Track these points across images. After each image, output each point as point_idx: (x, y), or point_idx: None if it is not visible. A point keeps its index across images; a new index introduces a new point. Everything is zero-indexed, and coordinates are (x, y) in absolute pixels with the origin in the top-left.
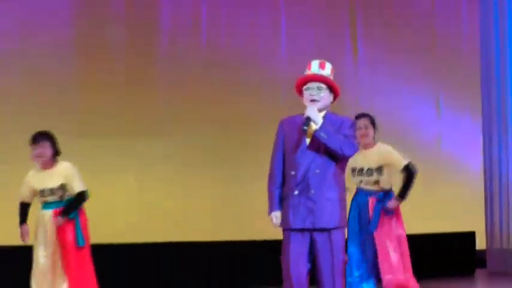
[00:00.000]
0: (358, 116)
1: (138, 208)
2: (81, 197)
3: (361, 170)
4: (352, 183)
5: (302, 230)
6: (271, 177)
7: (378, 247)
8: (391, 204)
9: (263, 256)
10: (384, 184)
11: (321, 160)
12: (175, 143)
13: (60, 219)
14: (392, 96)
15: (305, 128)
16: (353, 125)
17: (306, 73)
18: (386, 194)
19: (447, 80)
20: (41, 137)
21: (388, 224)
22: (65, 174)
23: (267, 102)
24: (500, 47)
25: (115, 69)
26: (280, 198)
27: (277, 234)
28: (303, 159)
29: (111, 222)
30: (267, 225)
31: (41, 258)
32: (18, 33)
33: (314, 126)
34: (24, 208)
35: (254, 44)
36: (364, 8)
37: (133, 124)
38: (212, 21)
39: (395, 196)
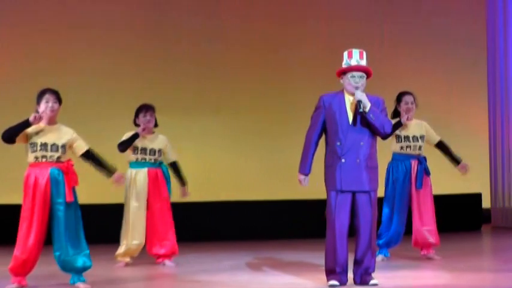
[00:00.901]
0: (404, 93)
1: (203, 171)
2: (178, 165)
3: (407, 137)
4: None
5: (346, 191)
6: (308, 143)
7: (420, 203)
8: (465, 167)
9: (307, 212)
10: (423, 150)
11: (364, 134)
12: (236, 117)
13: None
14: (411, 79)
15: (361, 110)
16: (384, 103)
17: (349, 62)
18: (424, 157)
19: (456, 65)
20: (151, 108)
21: (427, 183)
22: (165, 143)
23: (308, 84)
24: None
25: (194, 55)
26: (311, 164)
27: (316, 195)
28: (348, 132)
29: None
30: (309, 187)
31: (133, 209)
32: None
33: (367, 108)
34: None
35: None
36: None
37: (201, 102)
38: (271, 15)
39: (461, 162)
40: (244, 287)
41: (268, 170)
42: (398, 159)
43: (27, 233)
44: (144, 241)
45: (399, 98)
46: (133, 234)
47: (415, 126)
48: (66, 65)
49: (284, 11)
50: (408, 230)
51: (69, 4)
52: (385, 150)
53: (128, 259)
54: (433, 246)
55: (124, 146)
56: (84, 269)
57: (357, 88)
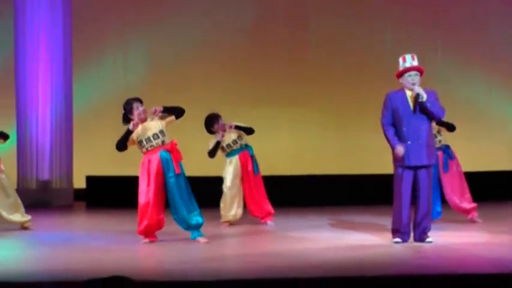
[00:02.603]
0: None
1: (295, 150)
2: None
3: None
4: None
5: (411, 167)
6: (388, 128)
7: (450, 182)
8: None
9: (375, 184)
10: (443, 141)
11: (423, 120)
12: (321, 107)
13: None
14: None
15: (419, 100)
16: (437, 95)
17: (405, 64)
18: (446, 146)
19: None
20: (219, 115)
21: (453, 166)
22: (237, 134)
23: (377, 81)
24: None
25: (277, 51)
26: (396, 137)
27: (382, 170)
28: (412, 120)
29: (271, 159)
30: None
31: (229, 188)
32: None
33: (424, 98)
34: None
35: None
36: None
37: (293, 95)
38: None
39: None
40: (327, 241)
41: (344, 149)
42: None
43: (146, 204)
44: (239, 210)
45: None
46: (230, 206)
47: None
48: (188, 66)
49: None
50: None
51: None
52: None
53: (228, 223)
54: (467, 212)
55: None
56: (198, 225)
57: (413, 84)
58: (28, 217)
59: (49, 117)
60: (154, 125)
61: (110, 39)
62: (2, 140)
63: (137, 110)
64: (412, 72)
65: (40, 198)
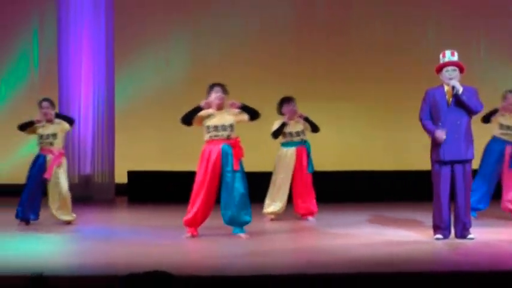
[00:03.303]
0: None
1: (340, 146)
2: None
3: (509, 127)
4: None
5: (448, 162)
6: (426, 122)
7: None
8: None
9: (416, 180)
10: None
11: (460, 115)
12: (365, 103)
13: None
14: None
15: (455, 92)
16: (477, 91)
17: (443, 60)
18: None
19: None
20: (293, 98)
21: None
22: (302, 124)
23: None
24: None
25: (323, 47)
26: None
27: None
28: (448, 114)
29: (315, 155)
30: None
31: (278, 180)
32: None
33: (460, 91)
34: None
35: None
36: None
37: (337, 91)
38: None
39: None
40: (368, 237)
41: (388, 146)
42: (496, 141)
43: (198, 194)
44: (285, 204)
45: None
46: (277, 197)
47: None
48: (231, 63)
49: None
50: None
51: None
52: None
53: (273, 216)
54: None
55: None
56: (246, 223)
57: (451, 79)
58: (74, 216)
59: (91, 112)
60: (227, 117)
61: (152, 36)
62: (68, 125)
63: (216, 93)
64: (450, 68)
65: (82, 193)
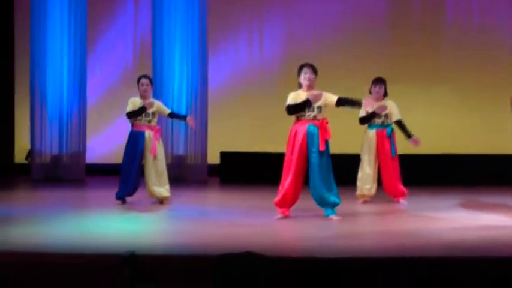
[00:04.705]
0: None
1: (431, 129)
2: (403, 123)
3: None
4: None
5: None
6: None
7: None
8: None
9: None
10: None
11: None
12: (458, 86)
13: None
14: None
15: None
16: None
17: None
18: None
19: None
20: (382, 81)
21: None
22: (394, 107)
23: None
24: None
25: (414, 30)
26: None
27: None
28: None
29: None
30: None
31: (365, 162)
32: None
33: None
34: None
35: None
36: None
37: (431, 74)
38: None
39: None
40: (461, 221)
41: (479, 129)
42: None
43: (286, 174)
44: (374, 185)
45: None
46: (365, 180)
47: None
48: (324, 45)
49: None
50: None
51: None
52: None
53: (365, 198)
54: None
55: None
56: (335, 204)
57: None
58: (169, 194)
59: (185, 93)
60: (318, 99)
61: (246, 16)
62: (167, 112)
63: (305, 74)
64: None
65: (175, 174)
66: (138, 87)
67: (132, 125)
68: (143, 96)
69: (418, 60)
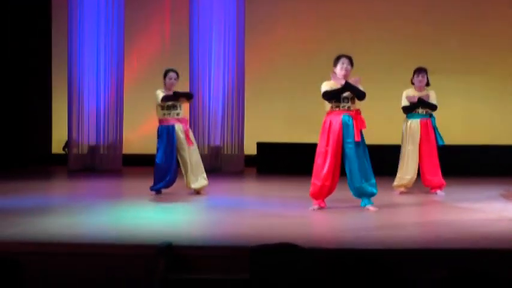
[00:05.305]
0: None
1: (462, 118)
2: (435, 106)
3: None
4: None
5: None
6: None
7: None
8: None
9: None
10: None
11: None
12: (490, 77)
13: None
14: None
15: None
16: None
17: None
18: None
19: None
20: (424, 70)
21: None
22: (435, 96)
23: None
24: None
25: (449, 19)
26: None
27: None
28: None
29: (443, 128)
30: None
31: (406, 152)
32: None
33: None
34: None
35: None
36: None
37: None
38: None
39: None
40: (498, 213)
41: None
42: None
43: (322, 165)
44: (415, 176)
45: None
46: (406, 170)
47: None
48: (360, 32)
49: None
50: None
51: None
52: None
53: (402, 189)
54: None
55: None
56: (372, 195)
57: None
58: (207, 181)
59: (221, 84)
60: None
61: (282, 6)
62: (185, 99)
63: (342, 64)
64: None
65: (211, 164)
66: (164, 80)
67: (161, 120)
68: (168, 89)
69: (456, 49)
